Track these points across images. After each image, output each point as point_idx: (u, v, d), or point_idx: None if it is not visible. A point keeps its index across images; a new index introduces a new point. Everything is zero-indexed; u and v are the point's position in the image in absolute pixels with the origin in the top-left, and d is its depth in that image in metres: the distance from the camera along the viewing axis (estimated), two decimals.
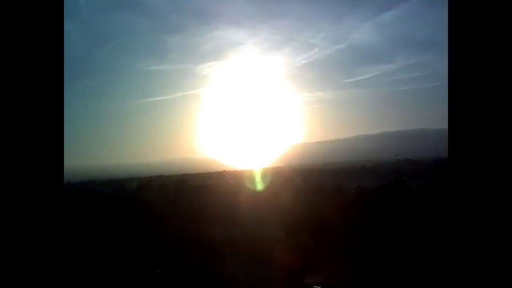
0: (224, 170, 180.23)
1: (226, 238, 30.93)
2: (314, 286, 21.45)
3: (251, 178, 62.69)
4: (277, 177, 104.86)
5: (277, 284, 23.61)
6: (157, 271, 24.14)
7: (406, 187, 45.57)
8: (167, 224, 36.12)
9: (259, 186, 54.79)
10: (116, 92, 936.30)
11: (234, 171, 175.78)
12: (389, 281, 22.46)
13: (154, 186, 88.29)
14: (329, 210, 36.18)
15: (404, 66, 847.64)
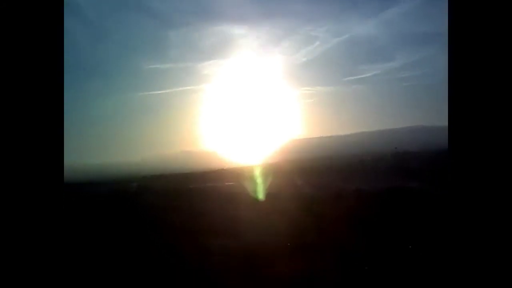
0: (223, 169, 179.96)
1: (222, 250, 30.53)
2: None
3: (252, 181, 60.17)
4: (276, 174, 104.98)
5: None
6: None
7: (407, 195, 45.37)
8: (164, 233, 35.86)
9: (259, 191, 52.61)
10: (117, 90, 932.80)
11: (234, 168, 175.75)
12: None
13: (153, 186, 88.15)
14: (330, 220, 36.04)
15: (406, 63, 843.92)
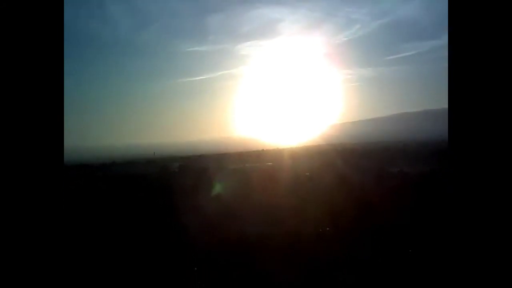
0: (263, 149, 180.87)
1: (257, 236, 30.54)
2: None
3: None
4: (317, 157, 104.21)
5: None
6: (195, 268, 24.56)
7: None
8: (201, 216, 36.53)
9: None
10: (158, 72, 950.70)
11: (273, 149, 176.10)
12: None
13: (195, 166, 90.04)
14: (371, 203, 35.57)
15: None
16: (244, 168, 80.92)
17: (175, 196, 46.50)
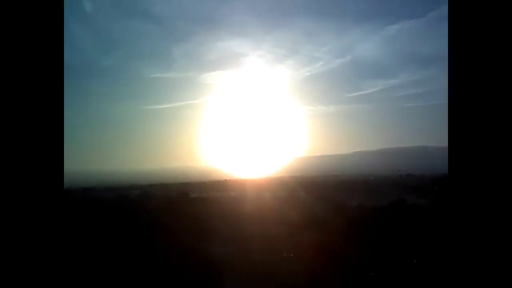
0: (226, 180, 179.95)
1: (221, 258, 30.26)
2: None
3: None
4: (280, 188, 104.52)
5: None
6: None
7: (408, 211, 45.29)
8: (166, 238, 35.87)
9: None
10: (120, 98, 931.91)
11: (236, 180, 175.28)
12: None
13: (156, 196, 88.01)
14: (333, 232, 36.10)
15: (409, 82, 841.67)
16: (207, 197, 79.81)
17: (135, 221, 45.22)
